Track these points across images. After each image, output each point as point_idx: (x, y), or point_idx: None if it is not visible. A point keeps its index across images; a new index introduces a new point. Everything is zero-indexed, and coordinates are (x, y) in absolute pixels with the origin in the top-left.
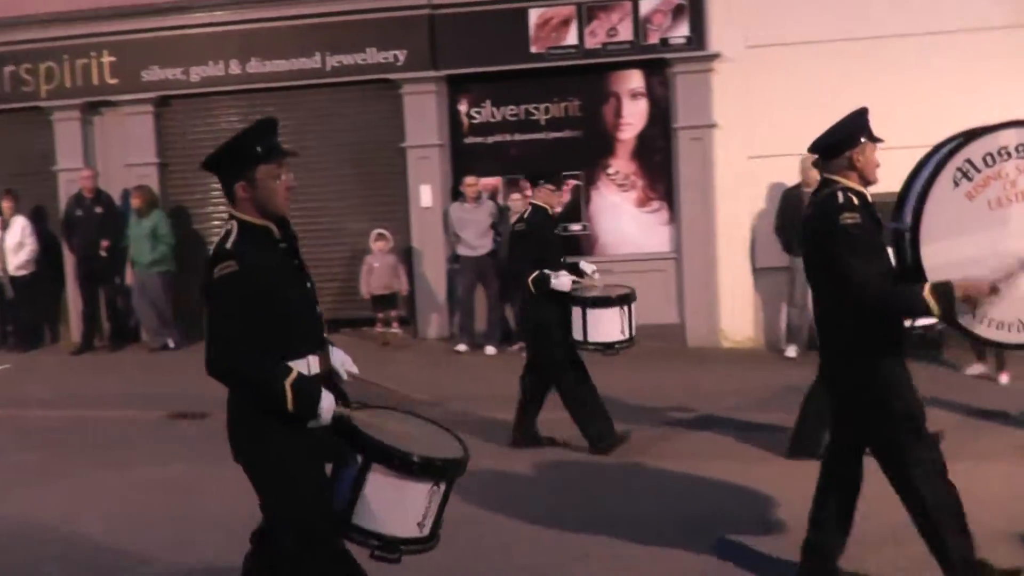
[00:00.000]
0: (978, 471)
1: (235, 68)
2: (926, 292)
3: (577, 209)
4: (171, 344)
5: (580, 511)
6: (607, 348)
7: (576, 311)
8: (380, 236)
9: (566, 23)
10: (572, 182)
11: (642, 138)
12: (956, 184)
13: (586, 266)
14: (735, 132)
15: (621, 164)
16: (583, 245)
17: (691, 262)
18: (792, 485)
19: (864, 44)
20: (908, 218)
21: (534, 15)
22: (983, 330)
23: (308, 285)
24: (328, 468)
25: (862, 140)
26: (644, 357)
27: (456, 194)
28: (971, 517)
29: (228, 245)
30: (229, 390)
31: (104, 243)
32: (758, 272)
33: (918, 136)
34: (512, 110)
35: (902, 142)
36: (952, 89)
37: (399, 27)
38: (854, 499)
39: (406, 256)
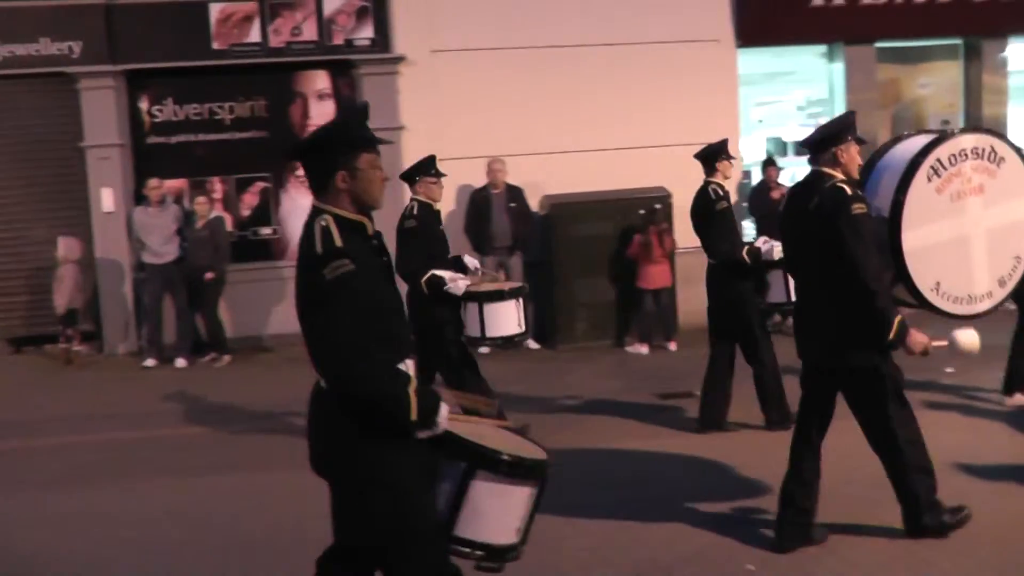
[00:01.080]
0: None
1: None
2: (896, 320)
3: (266, 212)
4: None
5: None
6: (507, 342)
7: (472, 307)
8: (66, 244)
9: (249, 20)
10: (261, 184)
11: None
12: (929, 180)
13: (470, 261)
14: (423, 134)
15: None
16: (274, 249)
17: None
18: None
19: (550, 52)
20: (885, 207)
21: (215, 10)
22: (938, 301)
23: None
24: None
25: (848, 138)
26: None
27: (140, 198)
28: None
29: (338, 242)
30: (320, 404)
31: None
32: None
33: (605, 141)
34: (196, 109)
35: (590, 146)
36: (645, 98)
37: (74, 16)
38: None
39: (89, 265)
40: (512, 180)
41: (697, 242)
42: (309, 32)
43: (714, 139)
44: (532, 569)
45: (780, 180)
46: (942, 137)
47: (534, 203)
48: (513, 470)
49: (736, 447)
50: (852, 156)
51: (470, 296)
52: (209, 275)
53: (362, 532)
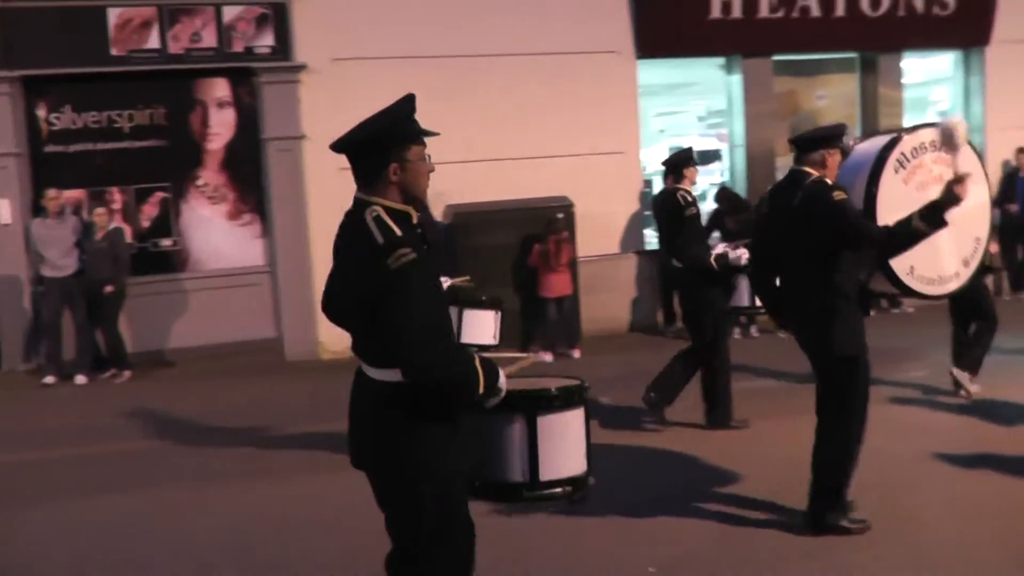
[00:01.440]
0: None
1: None
2: (915, 218)
3: (167, 223)
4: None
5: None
6: (481, 350)
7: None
8: None
9: (147, 26)
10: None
11: (231, 149)
12: (896, 172)
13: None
14: (325, 144)
15: (210, 176)
16: (175, 261)
17: (286, 275)
18: None
19: (452, 62)
20: (859, 202)
21: (113, 15)
22: (913, 283)
23: None
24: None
25: (837, 145)
26: (244, 373)
27: (37, 209)
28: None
29: (397, 232)
30: (366, 397)
31: None
32: None
33: (508, 150)
34: (94, 116)
35: (493, 155)
36: (547, 108)
37: None
38: None
39: None
40: None
41: (599, 250)
42: (209, 39)
43: (615, 148)
44: None
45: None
46: (903, 133)
47: (437, 213)
48: (565, 400)
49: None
50: (835, 162)
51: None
52: (109, 288)
53: (408, 523)
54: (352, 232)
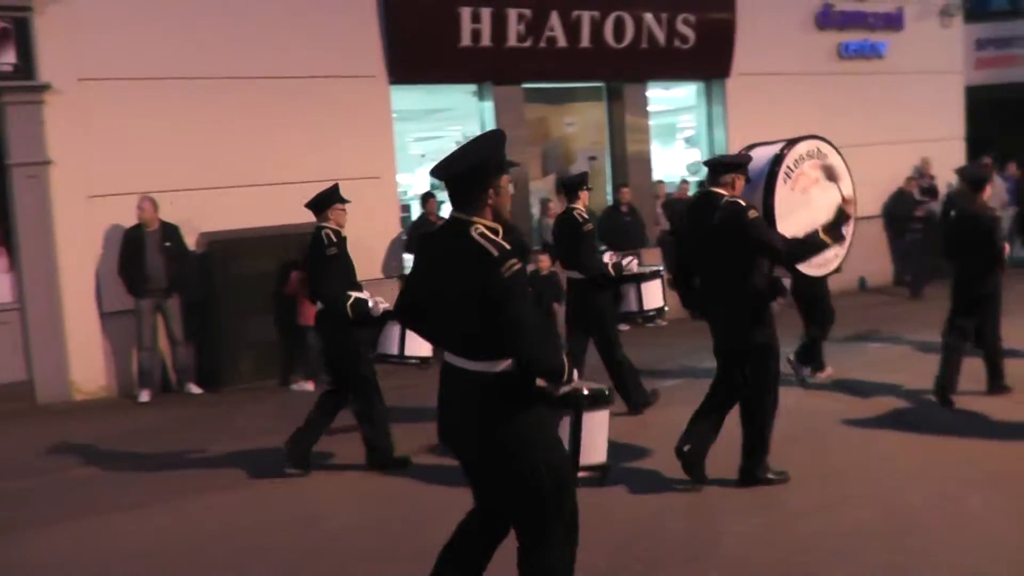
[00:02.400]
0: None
1: None
2: (821, 232)
3: None
4: None
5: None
6: (423, 362)
7: (395, 328)
8: None
9: None
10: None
11: None
12: (784, 182)
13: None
14: (72, 170)
15: None
16: None
17: (36, 312)
18: None
19: (204, 84)
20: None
21: None
22: (809, 270)
23: None
24: None
25: (743, 171)
26: None
27: None
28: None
29: (507, 246)
30: (471, 388)
31: None
32: (106, 317)
33: (265, 175)
34: None
35: (249, 181)
36: (302, 132)
37: None
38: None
39: None
40: (167, 217)
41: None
42: None
43: (372, 173)
44: None
45: (442, 213)
46: (786, 147)
47: (191, 241)
48: (599, 401)
49: None
50: (741, 184)
51: (390, 315)
52: None
53: (528, 496)
54: (455, 245)
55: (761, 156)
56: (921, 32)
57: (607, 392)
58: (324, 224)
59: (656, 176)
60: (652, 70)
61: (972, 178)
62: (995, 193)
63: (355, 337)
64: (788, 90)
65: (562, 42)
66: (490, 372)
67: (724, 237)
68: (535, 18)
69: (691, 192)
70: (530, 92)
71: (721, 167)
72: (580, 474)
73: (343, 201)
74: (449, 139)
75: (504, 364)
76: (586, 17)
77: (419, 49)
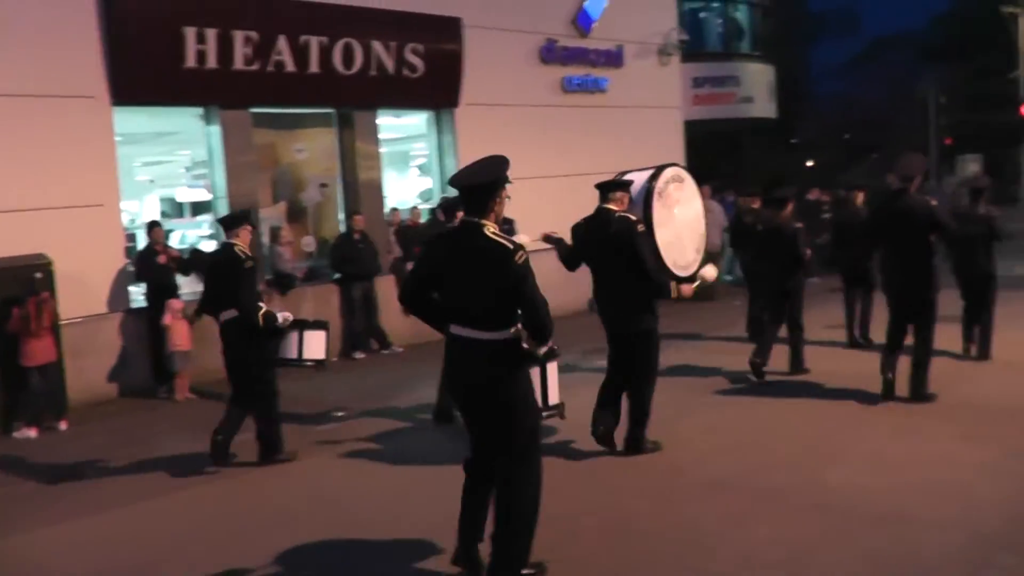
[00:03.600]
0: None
1: None
2: (676, 279)
3: None
4: None
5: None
6: (319, 364)
7: (294, 334)
8: None
9: None
10: None
11: None
12: (657, 200)
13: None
14: None
15: None
16: None
17: None
18: None
19: None
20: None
21: None
22: (677, 271)
23: None
24: None
25: (627, 191)
26: None
27: None
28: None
29: (517, 240)
30: (480, 352)
31: None
32: None
33: None
34: None
35: None
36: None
37: None
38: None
39: None
40: None
41: (84, 311)
42: None
43: (94, 201)
44: None
45: (169, 243)
46: (656, 173)
47: None
48: (553, 356)
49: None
50: (627, 200)
51: (296, 324)
52: None
53: (519, 429)
54: (473, 243)
55: (639, 180)
56: (641, 69)
57: (556, 349)
58: (234, 241)
59: (390, 204)
60: (382, 98)
61: (776, 200)
62: (714, 217)
63: (259, 344)
64: (515, 120)
65: (291, 67)
66: (498, 339)
67: (619, 243)
68: (262, 41)
69: (423, 219)
70: (258, 117)
71: (612, 187)
72: (545, 413)
73: (254, 225)
74: (179, 164)
75: (507, 334)
76: (315, 42)
77: (142, 69)
